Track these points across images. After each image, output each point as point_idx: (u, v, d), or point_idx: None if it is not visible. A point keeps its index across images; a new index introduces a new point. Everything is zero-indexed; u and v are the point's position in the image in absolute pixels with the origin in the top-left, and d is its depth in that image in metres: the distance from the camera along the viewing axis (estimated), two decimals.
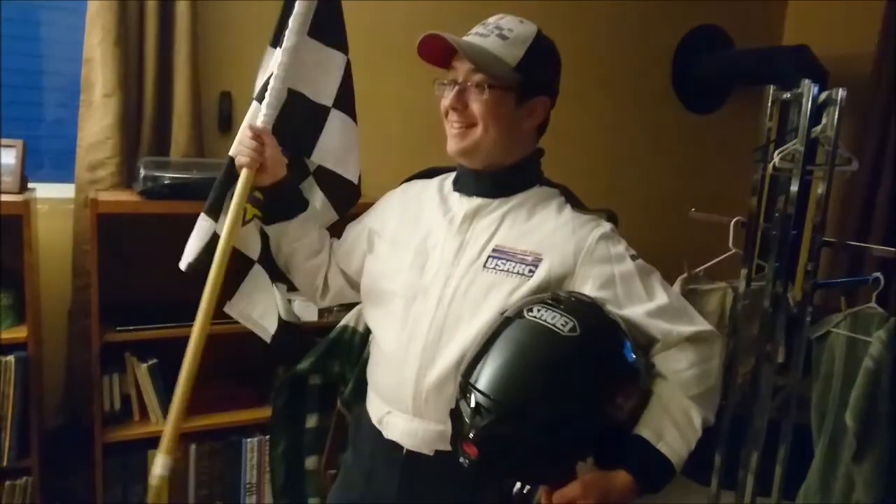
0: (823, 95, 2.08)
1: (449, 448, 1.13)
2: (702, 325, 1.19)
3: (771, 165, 2.14)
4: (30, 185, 2.18)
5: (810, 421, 2.26)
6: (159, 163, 2.20)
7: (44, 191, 2.28)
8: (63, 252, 2.31)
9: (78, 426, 2.33)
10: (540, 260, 1.18)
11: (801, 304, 2.23)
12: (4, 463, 1.98)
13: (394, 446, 1.27)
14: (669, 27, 3.37)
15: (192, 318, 2.17)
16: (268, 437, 2.26)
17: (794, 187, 2.13)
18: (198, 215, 1.43)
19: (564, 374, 1.03)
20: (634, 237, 3.59)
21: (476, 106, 1.22)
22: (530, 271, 1.18)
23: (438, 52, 1.25)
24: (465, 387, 1.06)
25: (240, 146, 1.37)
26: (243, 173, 1.36)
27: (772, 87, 2.20)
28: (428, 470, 1.24)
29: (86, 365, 2.21)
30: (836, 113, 2.05)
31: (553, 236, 1.21)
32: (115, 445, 2.13)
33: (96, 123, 2.23)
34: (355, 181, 1.55)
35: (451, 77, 1.25)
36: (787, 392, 2.33)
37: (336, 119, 1.52)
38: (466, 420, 1.04)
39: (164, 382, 2.20)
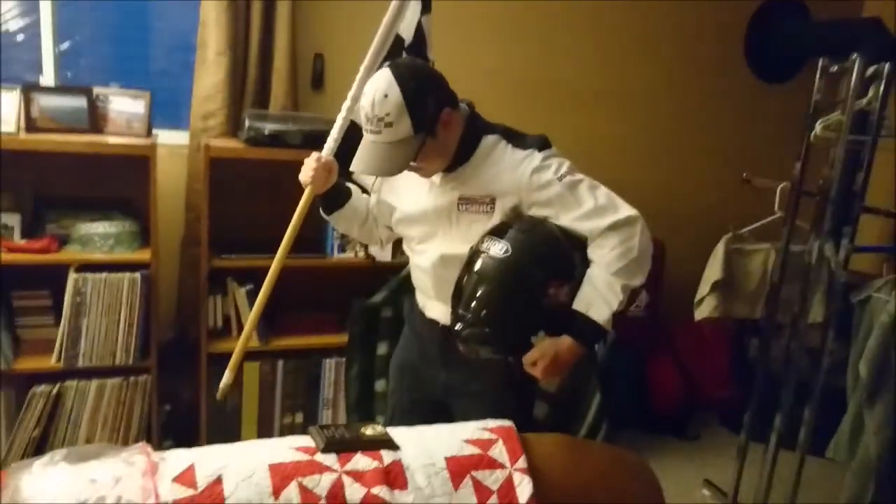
0: (871, 69, 2.18)
1: None
2: (620, 214, 1.53)
3: (812, 135, 2.27)
4: (154, 131, 2.55)
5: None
6: (261, 115, 2.52)
7: (163, 137, 2.63)
8: (177, 189, 2.68)
9: (186, 339, 2.72)
10: (495, 200, 1.59)
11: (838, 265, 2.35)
12: (131, 361, 2.38)
13: (434, 322, 1.73)
14: None
15: None
16: (344, 359, 2.58)
17: (839, 155, 2.25)
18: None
19: (502, 285, 1.50)
20: (690, 198, 3.71)
21: (414, 168, 1.57)
22: (490, 209, 1.60)
23: None
24: (450, 303, 1.57)
25: (311, 172, 1.69)
26: (308, 190, 1.71)
27: (820, 60, 2.31)
28: None
29: (194, 287, 2.60)
30: (882, 86, 2.15)
31: (499, 179, 1.58)
32: (216, 356, 2.47)
33: (209, 78, 2.57)
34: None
35: None
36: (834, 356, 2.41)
37: None
38: (451, 326, 1.56)
39: None
